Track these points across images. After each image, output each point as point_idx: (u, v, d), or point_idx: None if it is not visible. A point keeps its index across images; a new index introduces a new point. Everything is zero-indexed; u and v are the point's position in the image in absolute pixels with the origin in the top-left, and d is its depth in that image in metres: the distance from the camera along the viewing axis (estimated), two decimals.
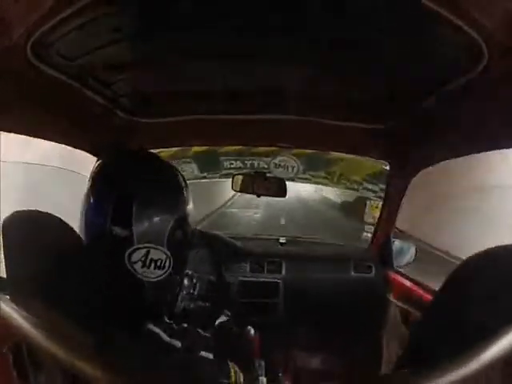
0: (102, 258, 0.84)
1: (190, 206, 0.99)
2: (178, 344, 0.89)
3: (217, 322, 1.48)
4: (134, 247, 0.85)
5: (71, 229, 0.84)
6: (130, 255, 0.84)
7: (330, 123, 1.73)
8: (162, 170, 0.99)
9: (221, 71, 1.41)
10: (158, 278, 0.87)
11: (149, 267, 0.86)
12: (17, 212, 0.80)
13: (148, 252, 0.86)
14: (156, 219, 0.89)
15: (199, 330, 1.02)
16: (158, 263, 0.86)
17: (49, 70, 1.10)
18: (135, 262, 0.85)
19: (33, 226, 0.78)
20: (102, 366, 0.44)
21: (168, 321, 0.95)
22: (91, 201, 0.89)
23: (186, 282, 1.76)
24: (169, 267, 0.88)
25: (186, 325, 0.99)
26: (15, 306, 0.52)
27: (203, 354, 0.95)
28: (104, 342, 0.56)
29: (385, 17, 0.97)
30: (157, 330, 0.88)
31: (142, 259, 0.85)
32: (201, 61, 1.30)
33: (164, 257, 0.87)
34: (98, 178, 0.91)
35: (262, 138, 2.04)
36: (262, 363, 1.85)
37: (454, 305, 0.73)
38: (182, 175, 1.01)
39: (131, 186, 0.89)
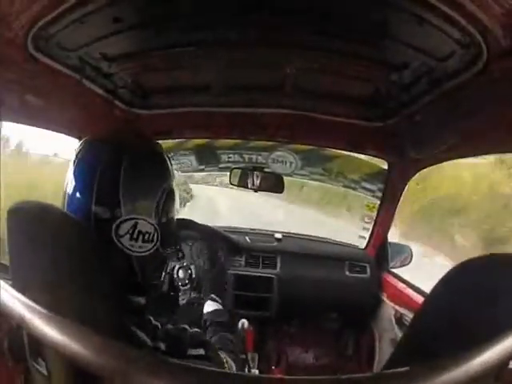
0: (92, 235, 0.81)
1: (174, 181, 0.95)
2: (162, 346, 0.85)
3: (205, 311, 1.44)
4: (121, 219, 0.81)
5: (73, 218, 0.82)
6: (117, 228, 0.80)
7: (329, 119, 1.73)
8: (145, 143, 0.95)
9: (219, 63, 1.41)
10: (147, 253, 0.84)
11: (137, 240, 0.82)
12: (22, 202, 0.80)
13: (136, 224, 0.82)
14: (143, 191, 0.85)
15: (186, 327, 0.99)
16: (146, 236, 0.83)
17: (49, 61, 1.10)
18: (122, 236, 0.81)
19: (38, 217, 0.78)
20: (102, 350, 0.44)
21: (154, 322, 0.92)
22: (76, 177, 0.85)
23: (181, 273, 1.77)
24: (157, 241, 0.85)
25: (170, 326, 0.95)
26: (16, 293, 0.52)
27: (192, 351, 0.93)
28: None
29: (382, 11, 0.97)
30: (140, 333, 0.84)
31: (130, 232, 0.81)
32: (199, 53, 1.30)
33: (152, 229, 0.84)
34: (81, 154, 0.87)
35: (259, 131, 2.04)
36: (256, 356, 1.88)
37: (447, 306, 0.74)
38: (163, 149, 0.97)
39: (116, 159, 0.84)
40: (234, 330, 1.41)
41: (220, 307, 1.46)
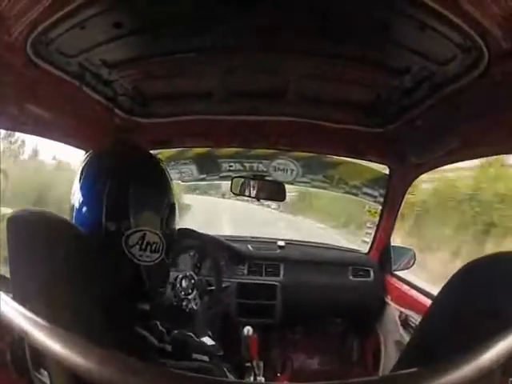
0: (101, 247, 0.84)
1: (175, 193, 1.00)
2: (169, 348, 0.89)
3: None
4: (131, 231, 0.85)
5: (76, 228, 0.82)
6: (127, 239, 0.85)
7: (329, 126, 1.73)
8: (146, 156, 0.99)
9: (220, 70, 1.41)
10: (154, 262, 0.88)
11: (145, 250, 0.87)
12: (21, 210, 0.79)
13: (144, 235, 0.86)
14: (150, 204, 0.90)
15: (191, 334, 1.00)
16: (154, 247, 0.88)
17: (48, 67, 1.10)
18: (132, 246, 0.85)
19: (38, 226, 0.77)
20: (106, 363, 0.43)
21: (161, 328, 0.94)
22: (84, 191, 0.88)
23: (183, 282, 1.74)
24: (163, 251, 0.89)
25: (176, 331, 0.98)
26: (17, 305, 0.51)
27: (197, 356, 0.92)
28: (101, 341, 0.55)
29: (384, 16, 0.97)
30: (146, 333, 0.87)
31: (139, 242, 0.86)
32: (200, 59, 1.30)
33: (158, 240, 0.88)
34: (89, 169, 0.91)
35: (261, 139, 2.03)
36: (261, 364, 1.84)
37: (453, 306, 0.72)
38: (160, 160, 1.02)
39: (124, 174, 0.89)
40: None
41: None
